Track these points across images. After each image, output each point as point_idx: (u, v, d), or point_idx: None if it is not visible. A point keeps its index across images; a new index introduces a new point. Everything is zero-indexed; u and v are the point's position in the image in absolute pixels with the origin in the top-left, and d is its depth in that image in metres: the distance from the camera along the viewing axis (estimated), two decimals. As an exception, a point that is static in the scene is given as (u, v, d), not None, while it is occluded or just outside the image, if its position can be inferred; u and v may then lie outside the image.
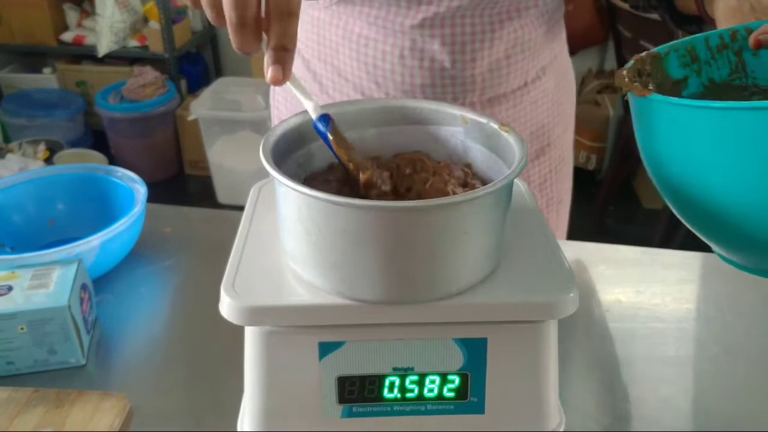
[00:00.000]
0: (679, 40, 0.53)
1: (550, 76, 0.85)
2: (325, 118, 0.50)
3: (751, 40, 0.50)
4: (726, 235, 0.47)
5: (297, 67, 0.86)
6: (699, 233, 0.50)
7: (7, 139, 2.65)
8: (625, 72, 0.50)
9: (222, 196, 2.58)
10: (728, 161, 0.42)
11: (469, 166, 0.55)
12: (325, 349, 0.48)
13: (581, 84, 2.73)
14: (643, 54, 0.52)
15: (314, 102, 0.50)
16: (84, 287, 0.65)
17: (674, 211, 0.50)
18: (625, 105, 0.53)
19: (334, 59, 0.80)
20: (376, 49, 0.76)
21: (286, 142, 0.52)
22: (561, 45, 0.87)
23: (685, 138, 0.44)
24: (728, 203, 0.44)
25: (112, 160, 2.63)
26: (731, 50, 0.54)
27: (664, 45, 0.53)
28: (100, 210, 0.79)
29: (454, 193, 0.50)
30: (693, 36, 0.54)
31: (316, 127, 0.50)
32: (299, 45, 0.85)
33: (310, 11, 0.80)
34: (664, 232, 2.14)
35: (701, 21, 0.64)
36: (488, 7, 0.72)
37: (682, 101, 0.45)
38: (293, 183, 0.43)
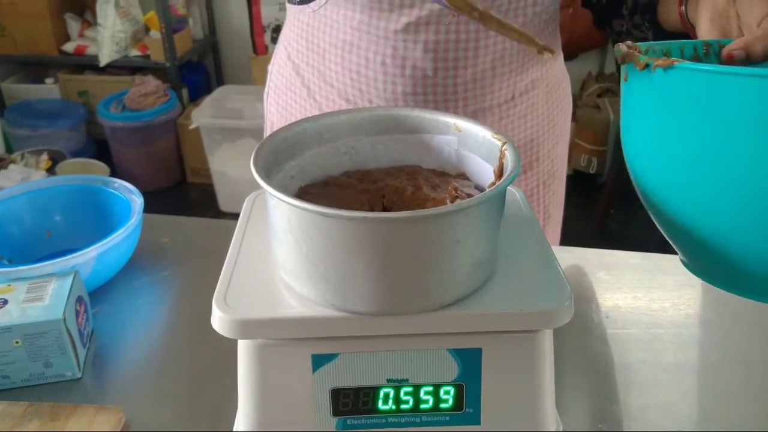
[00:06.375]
0: (657, 42, 0.54)
1: (540, 90, 0.83)
2: None
3: (725, 51, 0.51)
4: (684, 234, 0.49)
5: (287, 70, 0.86)
6: (664, 232, 0.51)
7: (9, 150, 2.66)
8: (628, 48, 0.50)
9: (224, 204, 2.58)
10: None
11: (462, 175, 0.55)
12: (319, 361, 0.48)
13: (581, 88, 2.72)
14: (630, 42, 0.52)
15: None
16: (80, 300, 0.65)
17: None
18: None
19: (321, 65, 0.80)
20: (360, 56, 0.76)
21: (278, 152, 0.52)
22: (554, 58, 0.85)
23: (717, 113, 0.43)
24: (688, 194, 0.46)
25: (114, 169, 2.64)
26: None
27: (644, 42, 0.53)
28: (97, 221, 0.79)
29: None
30: (670, 41, 0.55)
31: None
32: (290, 49, 0.85)
33: (300, 17, 0.81)
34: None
35: (686, 37, 0.64)
36: None
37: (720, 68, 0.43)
38: (283, 195, 0.43)
